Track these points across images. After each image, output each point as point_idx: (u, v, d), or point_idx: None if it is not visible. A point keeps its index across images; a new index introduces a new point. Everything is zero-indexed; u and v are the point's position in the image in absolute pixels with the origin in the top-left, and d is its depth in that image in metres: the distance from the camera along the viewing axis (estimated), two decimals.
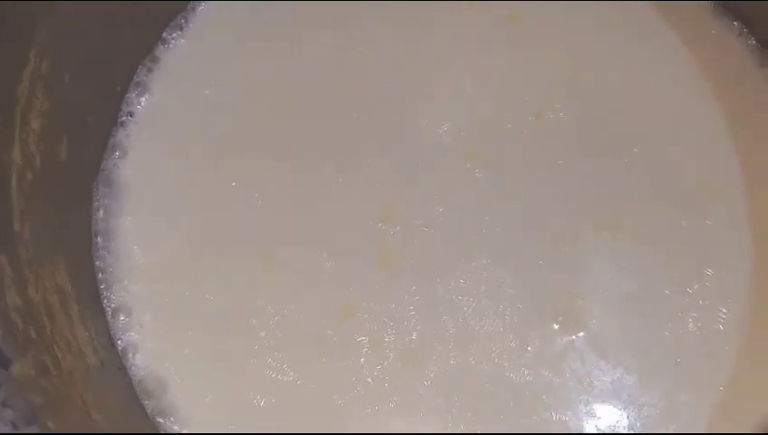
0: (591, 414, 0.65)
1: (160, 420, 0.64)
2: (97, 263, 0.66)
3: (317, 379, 0.65)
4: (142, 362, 0.65)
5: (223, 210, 0.68)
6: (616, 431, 0.65)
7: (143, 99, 0.70)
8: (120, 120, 0.69)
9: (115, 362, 0.64)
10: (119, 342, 0.65)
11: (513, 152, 0.70)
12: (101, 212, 0.67)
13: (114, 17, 0.66)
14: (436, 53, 0.72)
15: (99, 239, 0.67)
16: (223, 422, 0.64)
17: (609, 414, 0.65)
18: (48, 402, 0.49)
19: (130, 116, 0.70)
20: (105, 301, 0.65)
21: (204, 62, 0.72)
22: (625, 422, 0.65)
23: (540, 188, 0.69)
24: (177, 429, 0.63)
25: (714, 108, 0.71)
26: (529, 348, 0.65)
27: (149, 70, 0.71)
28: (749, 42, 0.73)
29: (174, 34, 0.72)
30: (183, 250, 0.67)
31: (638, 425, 0.65)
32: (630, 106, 0.71)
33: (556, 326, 0.66)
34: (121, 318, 0.65)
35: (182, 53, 0.72)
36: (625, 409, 0.65)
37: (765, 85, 0.72)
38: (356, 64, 0.71)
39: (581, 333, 0.66)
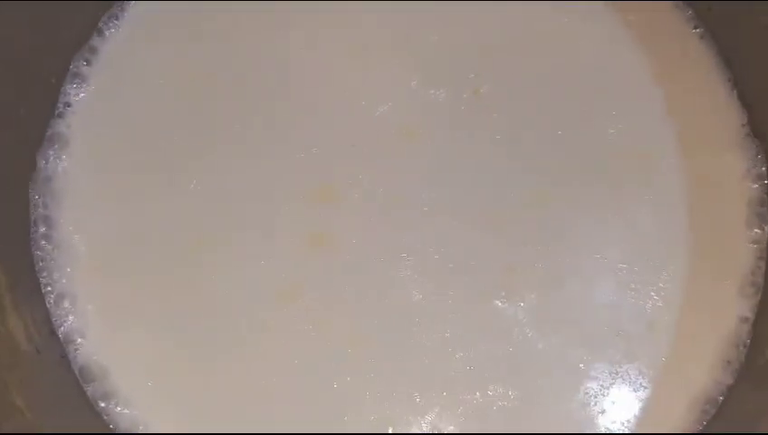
0: (535, 388, 0.65)
1: (102, 404, 0.64)
2: (37, 252, 0.66)
3: (258, 362, 0.65)
4: (84, 348, 0.65)
5: (161, 197, 0.68)
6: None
7: (81, 89, 0.70)
8: (57, 112, 0.69)
9: (56, 349, 0.64)
10: (60, 329, 0.65)
11: (449, 129, 0.70)
12: (41, 202, 0.67)
13: (44, 9, 0.66)
14: (369, 33, 0.72)
15: (39, 229, 0.67)
16: (164, 406, 0.65)
17: (553, 387, 0.65)
18: None
19: (68, 107, 0.70)
20: (47, 289, 0.66)
21: (140, 51, 0.71)
22: (565, 398, 0.65)
23: (477, 165, 0.69)
24: (117, 411, 0.64)
25: (647, 76, 0.71)
26: (471, 323, 0.66)
27: (86, 61, 0.71)
28: (686, 13, 0.72)
29: (110, 24, 0.72)
30: (124, 237, 0.68)
31: (581, 395, 0.65)
32: (567, 77, 0.71)
33: (497, 301, 0.66)
34: (63, 305, 0.66)
35: (119, 42, 0.72)
36: (569, 380, 0.65)
37: (698, 49, 0.72)
38: (292, 48, 0.71)
39: (522, 305, 0.66)
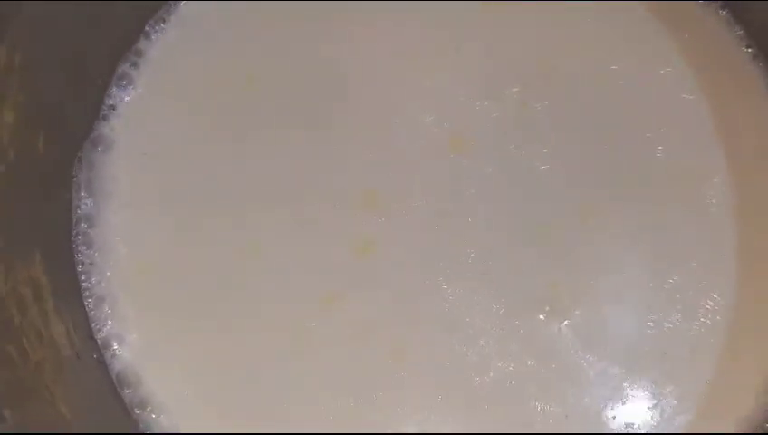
0: (577, 405, 0.64)
1: (139, 411, 0.64)
2: (78, 255, 0.66)
3: (300, 371, 0.65)
4: (123, 353, 0.65)
5: (207, 201, 0.68)
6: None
7: (126, 92, 0.70)
8: (102, 114, 0.69)
9: (93, 354, 0.64)
10: (99, 333, 0.65)
11: (497, 141, 0.69)
12: (83, 205, 0.67)
13: (92, 11, 0.65)
14: (417, 43, 0.71)
15: (81, 231, 0.67)
16: (203, 415, 0.64)
17: (594, 406, 0.64)
18: (8, 392, 0.49)
19: (113, 109, 0.70)
20: (86, 292, 0.65)
21: (187, 55, 0.71)
22: (610, 414, 0.64)
23: (524, 178, 0.68)
24: (153, 418, 0.63)
25: (697, 94, 0.70)
26: (514, 338, 0.65)
27: (133, 63, 0.70)
28: (734, 29, 0.71)
29: (157, 27, 0.71)
30: (167, 242, 0.67)
31: (623, 416, 0.64)
32: (614, 93, 0.70)
33: (541, 316, 0.66)
34: (104, 310, 0.66)
35: (166, 46, 0.71)
36: (611, 400, 0.64)
37: (748, 68, 0.71)
38: (339, 54, 0.71)
39: (566, 323, 0.65)
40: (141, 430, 0.63)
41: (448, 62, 0.70)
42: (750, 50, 0.71)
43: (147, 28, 0.71)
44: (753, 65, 0.71)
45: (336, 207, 0.67)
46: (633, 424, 0.64)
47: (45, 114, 0.63)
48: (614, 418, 0.64)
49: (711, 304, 0.66)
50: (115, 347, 0.65)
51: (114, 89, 0.70)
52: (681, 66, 0.71)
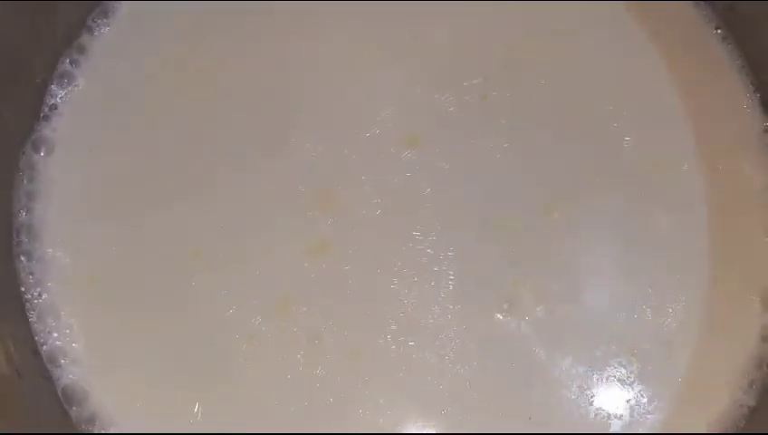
0: (541, 407, 0.62)
1: (87, 426, 0.62)
2: (19, 266, 0.63)
3: (252, 377, 0.63)
4: (69, 368, 0.63)
5: (153, 205, 0.65)
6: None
7: (68, 90, 0.67)
8: (42, 114, 0.66)
9: (38, 370, 0.62)
10: (43, 348, 0.63)
11: (455, 136, 0.67)
12: (25, 211, 0.65)
13: (30, 7, 0.63)
14: (373, 36, 0.69)
15: (22, 239, 0.64)
16: (154, 428, 0.62)
17: (560, 407, 0.62)
18: None
19: (54, 109, 0.67)
20: (27, 305, 0.63)
21: (131, 51, 0.68)
22: (576, 415, 0.62)
23: (483, 173, 0.66)
24: (102, 433, 0.61)
25: (665, 80, 0.68)
26: (472, 338, 0.63)
27: (74, 60, 0.68)
28: (702, 10, 0.69)
29: (99, 22, 0.69)
30: (111, 249, 0.65)
31: (591, 416, 0.62)
32: (579, 82, 0.68)
33: (500, 315, 0.64)
34: (47, 323, 0.63)
35: (108, 41, 0.68)
36: (576, 400, 0.63)
37: (718, 51, 0.69)
38: (292, 49, 0.68)
39: (527, 321, 0.63)
40: None
41: (406, 56, 0.68)
42: (719, 31, 0.69)
43: (89, 23, 0.69)
44: (722, 48, 0.69)
45: (290, 207, 0.65)
46: (602, 423, 0.62)
47: None
48: (580, 418, 0.62)
49: (683, 298, 0.64)
50: (62, 361, 0.63)
51: (55, 87, 0.67)
52: (648, 52, 0.68)
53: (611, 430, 0.62)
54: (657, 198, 0.66)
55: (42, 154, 0.66)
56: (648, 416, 0.63)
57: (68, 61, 0.67)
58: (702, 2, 0.69)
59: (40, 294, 0.63)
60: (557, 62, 0.68)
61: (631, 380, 0.63)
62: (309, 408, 0.62)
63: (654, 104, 0.68)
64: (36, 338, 0.62)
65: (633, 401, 0.63)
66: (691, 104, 0.68)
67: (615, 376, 0.63)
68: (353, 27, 0.69)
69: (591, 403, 0.63)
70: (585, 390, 0.63)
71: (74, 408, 0.62)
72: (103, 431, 0.62)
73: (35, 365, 0.62)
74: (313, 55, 0.68)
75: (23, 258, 0.64)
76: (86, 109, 0.67)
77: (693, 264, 0.65)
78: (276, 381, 0.63)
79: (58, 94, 0.67)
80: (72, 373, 0.62)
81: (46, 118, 0.66)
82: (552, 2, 0.68)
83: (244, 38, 0.68)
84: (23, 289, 0.63)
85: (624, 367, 0.63)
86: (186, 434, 0.62)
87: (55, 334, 0.63)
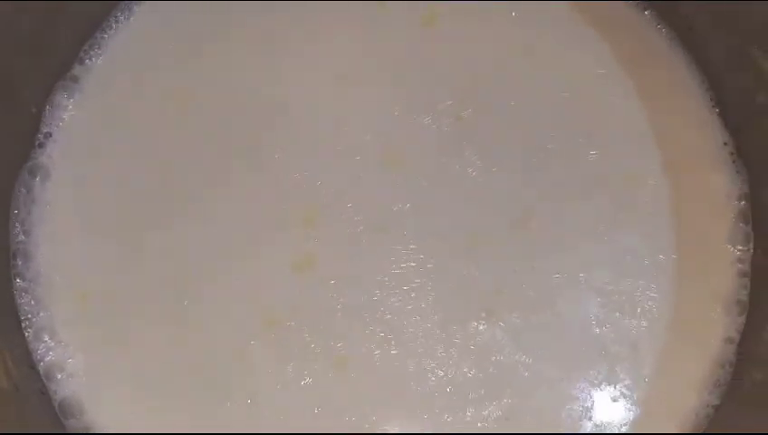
0: (517, 408, 0.65)
1: None
2: (16, 285, 0.66)
3: (243, 391, 0.65)
4: (65, 382, 0.65)
5: (144, 228, 0.68)
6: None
7: (62, 119, 0.70)
8: (37, 143, 0.69)
9: (35, 385, 0.64)
10: (40, 364, 0.65)
11: (433, 155, 0.69)
12: (21, 234, 0.67)
13: (24, 38, 0.65)
14: (351, 62, 0.72)
15: (19, 261, 0.66)
16: None
17: (534, 408, 0.65)
18: None
19: (49, 136, 0.69)
20: (25, 323, 0.65)
21: (123, 80, 0.71)
22: (551, 416, 0.65)
23: (459, 189, 0.69)
24: None
25: (630, 98, 0.71)
26: (452, 345, 0.66)
27: (68, 90, 0.70)
28: (662, 29, 0.73)
29: (92, 53, 0.71)
30: (105, 269, 0.67)
31: (562, 417, 0.65)
32: (546, 100, 0.71)
33: (476, 322, 0.66)
34: (44, 340, 0.65)
35: (101, 71, 0.71)
36: (550, 402, 0.65)
37: (679, 67, 0.72)
38: (276, 78, 0.71)
39: (502, 327, 0.66)
40: None
41: (385, 79, 0.71)
42: (680, 49, 0.72)
43: (81, 54, 0.71)
44: (684, 67, 0.72)
45: (275, 226, 0.68)
46: (574, 424, 0.65)
47: None
48: (553, 419, 0.65)
49: (650, 303, 0.67)
50: (58, 376, 0.65)
51: (49, 116, 0.70)
52: (612, 69, 0.72)
53: (582, 431, 0.65)
54: (626, 209, 0.69)
55: (37, 180, 0.68)
56: (617, 416, 0.65)
57: (62, 91, 0.70)
58: (665, 23, 0.73)
59: (37, 313, 0.66)
60: (525, 83, 0.71)
61: (600, 381, 0.66)
62: (298, 417, 0.64)
63: (620, 121, 0.71)
64: (33, 354, 0.64)
65: (603, 402, 0.65)
66: (656, 121, 0.71)
67: (585, 378, 0.66)
68: (334, 55, 0.72)
69: (564, 404, 0.65)
70: (558, 391, 0.65)
71: (71, 421, 0.64)
72: None
73: (33, 380, 0.64)
74: (298, 83, 0.71)
75: (19, 280, 0.66)
76: (79, 136, 0.70)
77: (658, 270, 0.68)
78: (267, 393, 0.65)
79: (52, 123, 0.70)
80: (67, 388, 0.65)
81: (41, 145, 0.69)
82: (520, 24, 0.72)
83: (230, 65, 0.71)
84: (19, 308, 0.65)
85: (593, 369, 0.66)
86: None
87: (51, 351, 0.65)
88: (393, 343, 0.66)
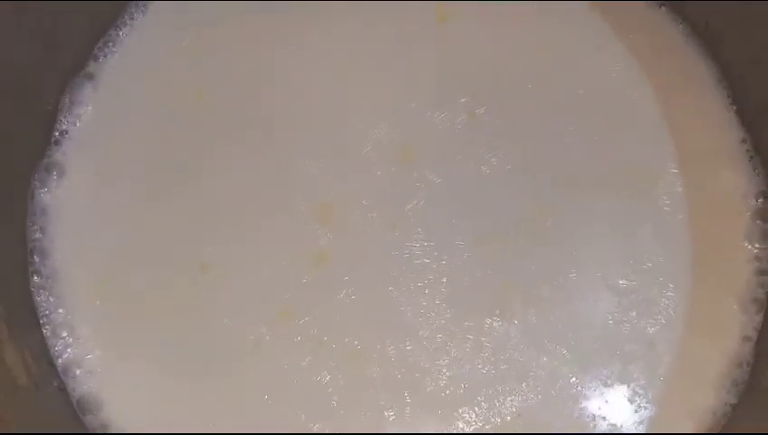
0: (527, 404, 0.65)
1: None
2: (34, 283, 0.66)
3: (259, 386, 0.65)
4: (83, 379, 0.65)
5: (160, 225, 0.68)
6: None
7: (78, 117, 0.70)
8: (53, 139, 0.69)
9: (54, 381, 0.64)
10: (59, 360, 0.65)
11: (446, 151, 0.69)
12: (38, 231, 0.67)
13: (39, 37, 0.66)
14: (367, 55, 0.72)
15: (36, 259, 0.67)
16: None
17: (547, 407, 0.65)
18: None
19: (65, 134, 0.70)
20: (43, 319, 0.66)
21: (138, 76, 0.71)
22: (561, 417, 0.65)
23: (473, 185, 0.69)
24: None
25: (646, 94, 0.71)
26: (466, 341, 0.66)
27: (83, 87, 0.71)
28: (677, 25, 0.72)
29: (105, 50, 0.72)
30: (122, 265, 0.67)
31: (575, 416, 0.65)
32: (561, 97, 0.70)
33: (491, 319, 0.66)
34: (61, 336, 0.66)
35: (115, 68, 0.71)
36: (563, 400, 0.65)
37: (696, 64, 0.72)
38: (291, 69, 0.71)
39: (516, 324, 0.66)
40: None
41: (399, 75, 0.71)
42: (696, 46, 0.72)
43: (95, 51, 0.72)
44: (700, 62, 0.72)
45: (289, 220, 0.68)
46: (588, 423, 0.65)
47: None
48: (566, 418, 0.65)
49: (666, 302, 0.67)
50: (76, 373, 0.65)
51: (65, 113, 0.70)
52: (630, 66, 0.71)
53: (597, 430, 0.65)
54: (642, 207, 0.69)
55: (54, 177, 0.69)
56: (633, 415, 0.65)
57: (76, 88, 0.70)
58: (681, 19, 0.72)
59: (55, 309, 0.66)
60: (540, 80, 0.70)
61: (615, 380, 0.65)
62: (314, 411, 0.65)
63: (636, 117, 0.70)
64: (51, 351, 0.65)
65: (618, 401, 0.65)
66: (672, 118, 0.70)
67: (600, 377, 0.65)
68: (349, 51, 0.72)
69: (578, 403, 0.65)
70: (571, 390, 0.65)
71: (89, 417, 0.64)
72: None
73: (51, 376, 0.64)
74: (312, 77, 0.71)
75: (36, 276, 0.66)
76: (95, 133, 0.70)
77: (675, 268, 0.67)
78: (283, 388, 0.65)
79: (68, 120, 0.70)
80: (86, 384, 0.65)
81: (57, 142, 0.69)
82: (536, 21, 0.71)
83: (244, 59, 0.71)
84: (37, 305, 0.66)
85: (608, 367, 0.66)
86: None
87: (69, 347, 0.66)
88: (407, 338, 0.66)
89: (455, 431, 0.65)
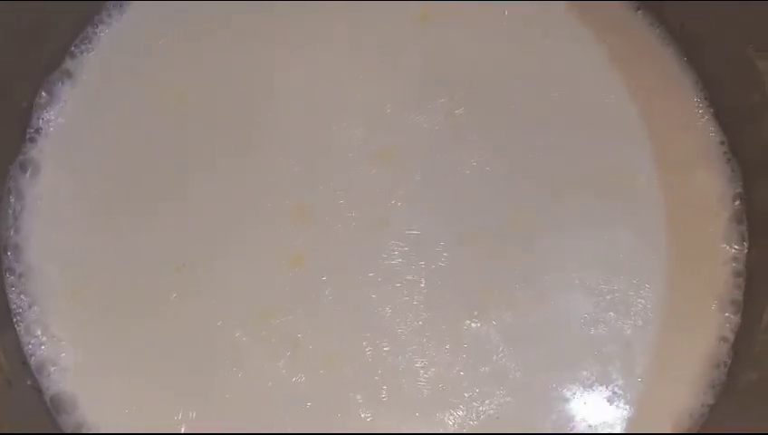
0: (508, 407, 0.65)
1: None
2: (9, 279, 0.66)
3: (235, 387, 0.65)
4: (57, 377, 0.65)
5: (136, 222, 0.68)
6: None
7: (53, 114, 0.70)
8: (28, 136, 0.69)
9: (27, 380, 0.63)
10: (32, 358, 0.65)
11: (425, 151, 0.70)
12: (12, 228, 0.67)
13: (16, 34, 0.65)
14: (344, 58, 0.72)
15: (10, 256, 0.66)
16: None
17: (526, 407, 0.65)
18: None
19: (40, 131, 0.69)
20: (16, 317, 0.65)
21: (114, 74, 0.71)
22: (539, 418, 0.65)
23: (451, 186, 0.69)
24: None
25: (622, 96, 0.71)
26: (444, 343, 0.66)
27: (59, 84, 0.70)
28: (654, 28, 0.73)
29: (82, 47, 0.71)
30: (96, 263, 0.67)
31: (553, 417, 0.65)
32: (539, 98, 0.71)
33: (469, 321, 0.66)
34: (36, 334, 0.65)
35: (92, 65, 0.71)
36: (541, 401, 0.65)
37: (671, 66, 0.72)
38: (268, 71, 0.71)
39: (494, 326, 0.66)
40: None
41: (377, 76, 0.71)
42: (673, 48, 0.72)
43: (72, 48, 0.71)
44: (676, 65, 0.72)
45: (267, 221, 0.68)
46: (566, 424, 0.65)
47: None
48: (544, 418, 0.65)
49: (644, 302, 0.67)
50: (50, 371, 0.65)
51: (40, 110, 0.70)
52: (605, 68, 0.72)
53: (575, 431, 0.65)
54: (620, 208, 0.69)
55: (28, 174, 0.68)
56: (611, 416, 0.65)
57: (52, 85, 0.70)
58: (658, 22, 0.73)
59: (29, 306, 0.65)
60: (518, 81, 0.71)
61: (593, 381, 0.66)
62: (290, 411, 0.64)
63: (614, 120, 0.71)
64: (25, 349, 0.64)
65: (596, 402, 0.65)
66: (650, 120, 0.71)
67: (578, 378, 0.66)
68: (330, 51, 0.72)
69: (556, 404, 0.65)
70: (550, 391, 0.65)
71: (63, 416, 0.64)
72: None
73: (25, 375, 0.63)
74: (289, 77, 0.71)
75: (10, 274, 0.66)
76: (70, 131, 0.70)
77: (653, 270, 0.68)
78: (259, 389, 0.65)
79: (43, 117, 0.69)
80: (60, 382, 0.64)
81: (32, 140, 0.69)
82: (514, 22, 0.72)
83: (220, 59, 0.71)
84: (10, 303, 0.65)
85: (586, 369, 0.66)
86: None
87: (43, 346, 0.65)
88: (385, 339, 0.66)
89: (433, 432, 0.64)
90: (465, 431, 0.64)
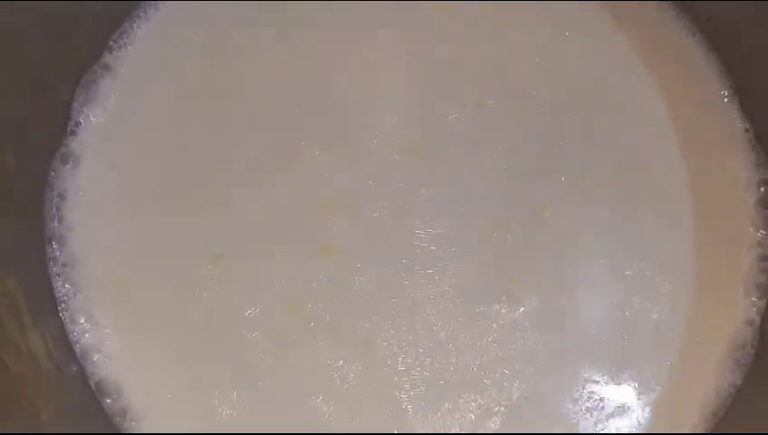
0: (534, 387, 0.66)
1: (119, 419, 0.65)
2: (52, 270, 0.67)
3: (274, 372, 0.66)
4: (101, 364, 0.66)
5: (175, 211, 0.69)
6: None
7: (94, 107, 0.71)
8: (69, 129, 0.70)
9: (73, 366, 0.65)
10: (77, 345, 0.66)
11: (454, 142, 0.71)
12: (56, 220, 0.68)
13: (55, 28, 0.67)
14: (375, 48, 0.73)
15: (54, 246, 0.68)
16: (182, 422, 0.66)
17: (552, 389, 0.67)
18: None
19: (80, 124, 0.71)
20: (61, 305, 0.67)
21: (153, 68, 0.73)
22: (569, 400, 0.66)
23: (481, 176, 0.70)
24: (133, 426, 0.65)
25: (649, 86, 0.72)
26: (474, 326, 0.67)
27: (99, 78, 0.72)
28: (680, 19, 0.74)
29: (121, 42, 0.73)
30: (137, 252, 0.69)
31: (583, 399, 0.66)
32: (568, 90, 0.72)
33: (497, 305, 0.68)
34: (80, 322, 0.67)
35: (131, 59, 0.73)
36: (569, 385, 0.67)
37: (697, 56, 0.73)
38: (301, 64, 0.72)
39: (522, 311, 0.68)
40: None
41: (409, 67, 0.73)
42: (697, 38, 0.73)
43: (111, 42, 0.73)
44: (702, 54, 0.73)
45: (302, 211, 0.69)
46: (592, 408, 0.66)
47: (12, 133, 0.64)
48: (571, 401, 0.66)
49: (671, 287, 0.68)
50: (94, 358, 0.66)
51: (80, 104, 0.71)
52: (631, 59, 0.73)
53: (604, 412, 0.66)
54: (646, 196, 0.70)
55: (69, 166, 0.70)
56: (639, 399, 0.67)
57: (92, 79, 0.71)
58: (683, 13, 0.74)
59: (74, 295, 0.67)
60: (546, 73, 0.72)
61: (621, 365, 0.67)
62: (329, 394, 0.66)
63: (640, 110, 0.72)
64: (70, 336, 0.66)
65: (624, 384, 0.67)
66: (675, 109, 0.72)
67: (606, 361, 0.67)
68: (359, 45, 0.73)
69: (584, 387, 0.66)
70: (577, 374, 0.67)
71: (107, 400, 0.65)
72: (134, 423, 0.65)
73: (71, 361, 0.65)
74: (322, 72, 0.72)
75: (54, 264, 0.68)
76: (110, 123, 0.71)
77: (679, 255, 0.69)
78: (299, 372, 0.66)
79: (83, 110, 0.71)
80: (104, 369, 0.66)
81: (73, 133, 0.71)
82: (542, 17, 0.73)
83: (256, 52, 0.73)
84: (56, 291, 0.67)
85: (614, 353, 0.67)
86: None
87: (87, 333, 0.67)
88: (419, 324, 0.67)
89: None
90: (495, 412, 0.66)
